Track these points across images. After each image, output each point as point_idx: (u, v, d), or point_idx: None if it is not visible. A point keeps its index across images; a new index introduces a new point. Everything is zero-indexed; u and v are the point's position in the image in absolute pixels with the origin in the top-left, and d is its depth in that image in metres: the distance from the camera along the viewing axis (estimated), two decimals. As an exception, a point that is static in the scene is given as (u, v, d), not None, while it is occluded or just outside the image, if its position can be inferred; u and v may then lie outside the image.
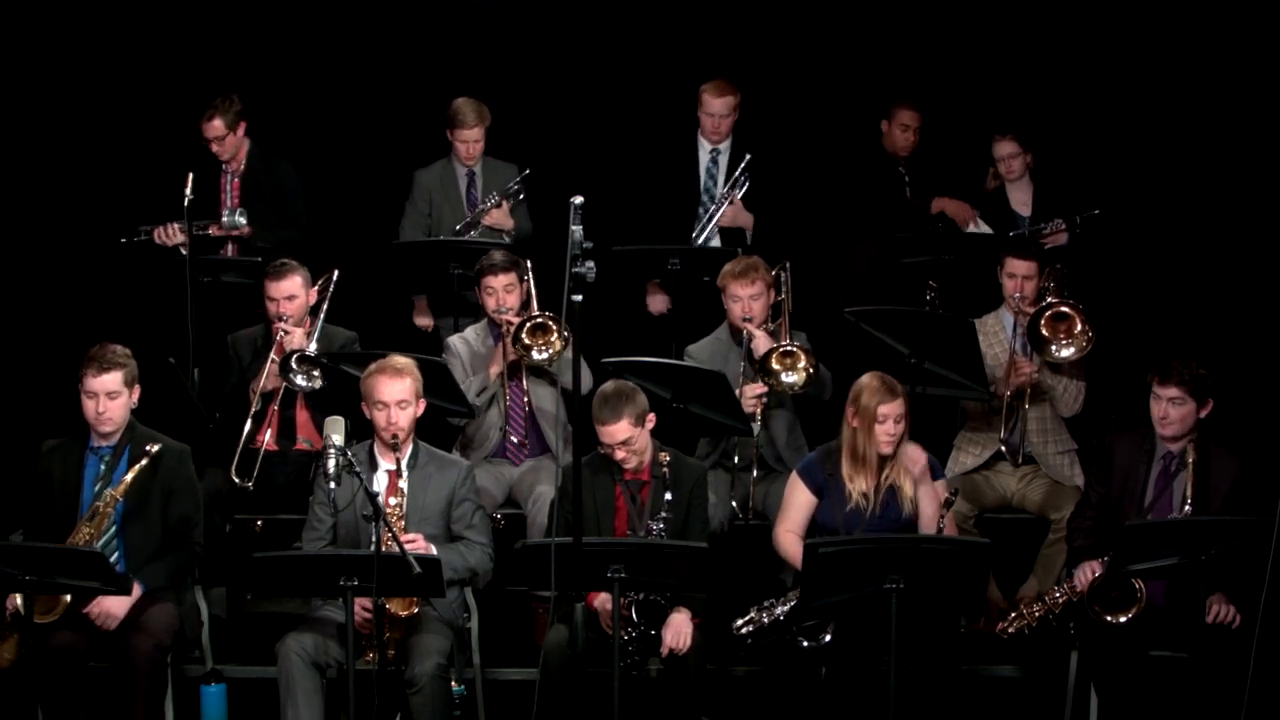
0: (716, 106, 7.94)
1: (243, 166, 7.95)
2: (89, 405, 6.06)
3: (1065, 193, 7.94)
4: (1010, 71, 8.48)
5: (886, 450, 6.10)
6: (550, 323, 6.85)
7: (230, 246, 7.93)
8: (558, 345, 6.85)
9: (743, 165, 7.96)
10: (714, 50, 8.43)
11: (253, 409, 7.02)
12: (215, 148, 7.86)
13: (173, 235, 7.74)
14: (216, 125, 7.82)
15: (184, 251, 7.49)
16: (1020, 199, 8.03)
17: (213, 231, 7.82)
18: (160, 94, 8.44)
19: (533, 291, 7.05)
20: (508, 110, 8.05)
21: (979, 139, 8.13)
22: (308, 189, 8.15)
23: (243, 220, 7.75)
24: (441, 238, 7.89)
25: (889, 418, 6.06)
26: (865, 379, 6.14)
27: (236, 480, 6.90)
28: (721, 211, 7.94)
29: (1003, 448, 7.03)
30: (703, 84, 7.97)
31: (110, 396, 6.05)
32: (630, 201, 8.01)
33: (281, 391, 7.08)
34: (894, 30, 8.51)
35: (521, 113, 8.27)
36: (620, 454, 6.06)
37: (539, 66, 8.56)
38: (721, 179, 8.03)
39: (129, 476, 6.02)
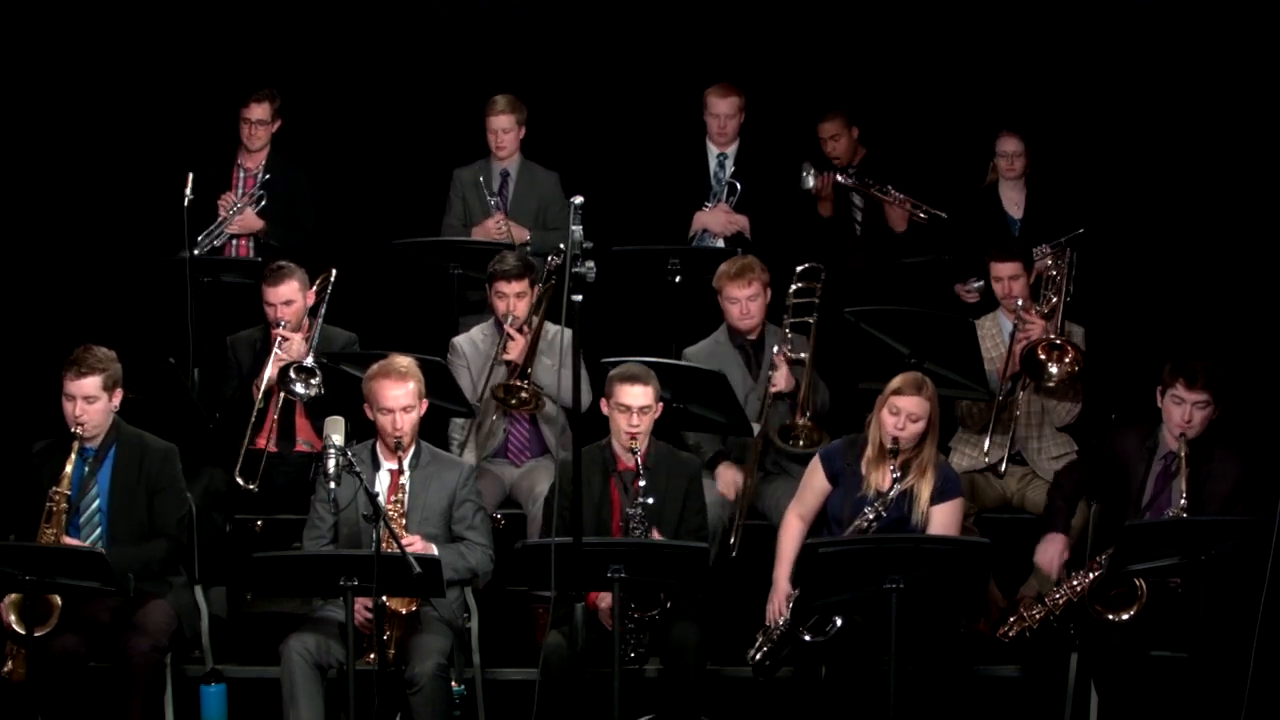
0: (721, 108, 7.96)
1: (262, 168, 7.90)
2: (67, 407, 6.03)
3: (1059, 199, 7.85)
4: (1014, 71, 8.49)
5: (890, 443, 5.99)
6: (528, 395, 6.85)
7: (240, 244, 7.90)
8: (531, 406, 6.89)
9: (731, 172, 7.99)
10: (724, 55, 8.44)
11: (256, 406, 6.99)
12: (251, 130, 7.81)
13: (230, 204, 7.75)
14: (266, 109, 7.81)
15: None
16: (1013, 199, 7.90)
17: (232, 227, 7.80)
18: (158, 93, 8.44)
19: (534, 301, 7.01)
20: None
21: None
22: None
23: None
24: (441, 238, 7.89)
25: (901, 411, 5.98)
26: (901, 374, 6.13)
27: (240, 482, 6.87)
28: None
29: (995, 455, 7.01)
30: (708, 87, 8.00)
31: (88, 400, 6.02)
32: (640, 204, 8.03)
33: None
34: (901, 33, 8.53)
35: (535, 114, 8.26)
36: (634, 420, 6.06)
37: (552, 69, 8.55)
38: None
39: (68, 469, 5.98)
